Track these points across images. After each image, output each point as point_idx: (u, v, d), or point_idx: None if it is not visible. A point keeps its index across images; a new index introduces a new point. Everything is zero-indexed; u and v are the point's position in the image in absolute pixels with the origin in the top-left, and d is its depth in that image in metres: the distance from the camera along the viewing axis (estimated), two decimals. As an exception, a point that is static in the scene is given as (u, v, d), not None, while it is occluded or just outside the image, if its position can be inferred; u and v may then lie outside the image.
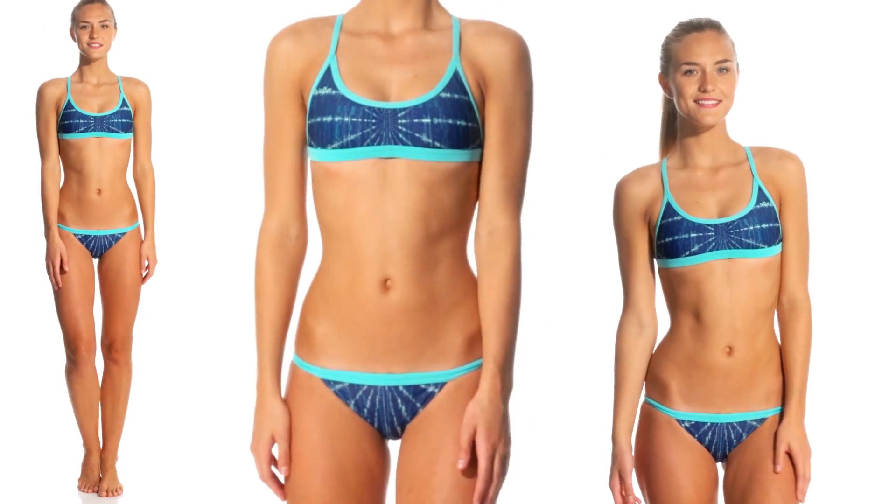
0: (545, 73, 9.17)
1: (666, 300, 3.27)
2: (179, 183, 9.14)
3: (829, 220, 8.82)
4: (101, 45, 5.59)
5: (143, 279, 5.75)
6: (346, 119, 2.46)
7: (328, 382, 2.56)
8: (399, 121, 2.47)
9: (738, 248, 3.16)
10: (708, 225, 3.18)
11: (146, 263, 5.74)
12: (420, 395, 2.54)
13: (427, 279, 2.50)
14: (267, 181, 2.56)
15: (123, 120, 5.63)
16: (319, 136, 2.49)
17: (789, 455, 3.18)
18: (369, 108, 2.48)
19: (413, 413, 2.55)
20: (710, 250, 3.17)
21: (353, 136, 2.46)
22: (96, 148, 5.60)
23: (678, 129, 3.27)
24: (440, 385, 2.54)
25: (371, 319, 2.51)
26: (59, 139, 5.62)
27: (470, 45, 2.53)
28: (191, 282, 9.33)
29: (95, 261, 5.76)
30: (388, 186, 2.47)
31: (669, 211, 3.21)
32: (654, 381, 3.26)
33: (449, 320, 2.53)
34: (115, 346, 5.71)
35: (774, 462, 3.18)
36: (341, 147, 2.47)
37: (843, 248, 8.96)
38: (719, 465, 3.31)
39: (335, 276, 2.53)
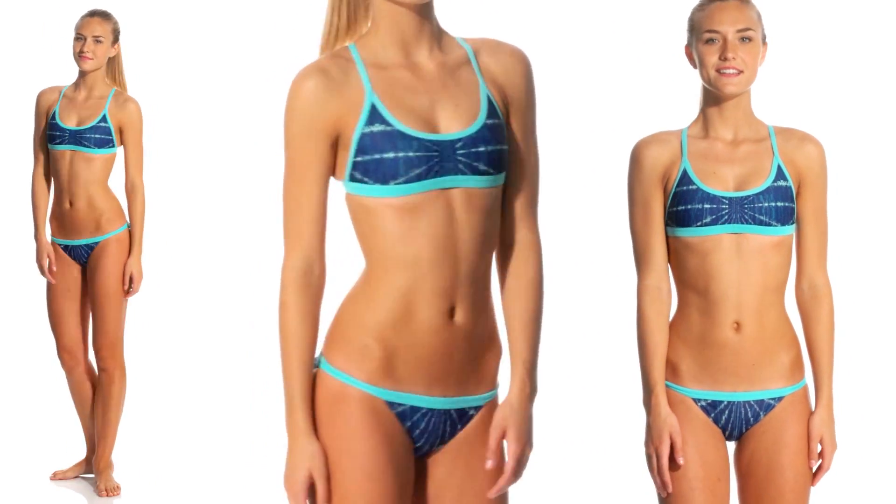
0: (546, 72, 9.17)
1: (673, 274, 3.24)
2: (178, 190, 9.19)
3: (849, 205, 8.79)
4: (91, 59, 5.65)
5: (127, 293, 5.74)
6: (411, 154, 2.49)
7: (391, 405, 2.58)
8: (458, 151, 2.51)
9: (750, 223, 3.14)
10: (723, 197, 3.15)
11: (130, 278, 5.76)
12: (463, 418, 2.62)
13: (482, 304, 2.59)
14: (289, 219, 2.57)
15: (98, 136, 5.67)
16: (379, 172, 2.50)
17: (820, 444, 3.20)
18: (430, 141, 2.51)
19: (453, 434, 2.63)
20: (722, 223, 3.14)
21: (418, 171, 2.49)
22: (68, 161, 5.68)
23: (701, 98, 3.25)
24: (478, 409, 2.63)
25: (437, 345, 2.55)
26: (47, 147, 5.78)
27: (488, 67, 2.61)
28: (186, 285, 9.38)
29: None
30: (454, 216, 2.52)
31: (685, 179, 3.18)
32: (666, 361, 3.23)
33: (492, 343, 2.62)
34: (102, 354, 5.73)
35: (809, 456, 3.18)
36: (406, 182, 2.49)
37: (861, 235, 8.95)
38: (731, 443, 3.29)
39: (397, 302, 2.55)
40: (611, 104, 9.21)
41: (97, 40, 5.63)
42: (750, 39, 3.14)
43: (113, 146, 5.69)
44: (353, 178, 2.53)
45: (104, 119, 5.67)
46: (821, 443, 3.18)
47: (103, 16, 5.69)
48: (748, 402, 3.18)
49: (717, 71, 3.13)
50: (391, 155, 2.49)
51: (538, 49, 9.49)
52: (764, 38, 3.18)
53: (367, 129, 2.51)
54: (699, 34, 3.16)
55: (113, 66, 5.77)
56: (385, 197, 2.50)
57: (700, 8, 3.20)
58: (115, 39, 5.70)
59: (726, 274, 3.13)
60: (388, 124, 2.51)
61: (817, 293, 3.21)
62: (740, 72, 3.12)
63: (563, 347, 8.26)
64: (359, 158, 2.51)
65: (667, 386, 3.21)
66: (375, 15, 2.57)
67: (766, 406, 3.18)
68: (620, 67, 9.19)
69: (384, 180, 2.49)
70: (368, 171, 2.50)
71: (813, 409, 3.22)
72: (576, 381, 7.58)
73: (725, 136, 3.20)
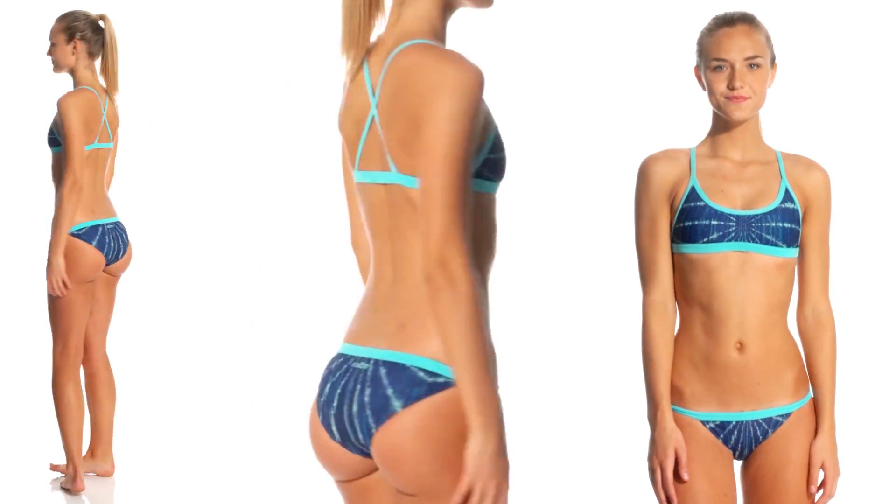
0: (558, 84, 9.15)
1: (677, 292, 3.24)
2: (176, 188, 9.18)
3: (854, 225, 8.81)
4: (53, 63, 5.76)
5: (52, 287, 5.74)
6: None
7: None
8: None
9: (756, 242, 3.15)
10: (730, 214, 3.16)
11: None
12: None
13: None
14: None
15: (50, 136, 5.77)
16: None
17: (822, 470, 3.21)
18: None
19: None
20: (729, 240, 3.15)
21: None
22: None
23: (712, 120, 3.26)
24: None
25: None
26: None
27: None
28: (185, 280, 9.36)
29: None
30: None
31: (693, 195, 3.19)
32: (672, 385, 3.24)
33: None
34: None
35: (809, 482, 3.20)
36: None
37: (866, 253, 8.96)
38: (739, 462, 3.32)
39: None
40: (621, 118, 9.22)
41: (52, 44, 5.70)
42: (758, 66, 3.15)
43: (57, 145, 5.74)
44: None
45: (54, 118, 5.74)
46: (823, 469, 3.19)
47: (57, 19, 5.74)
48: (756, 420, 3.19)
49: (726, 98, 3.15)
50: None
51: (550, 61, 9.55)
52: (773, 60, 3.20)
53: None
54: (707, 61, 3.17)
55: (105, 64, 5.76)
56: None
57: (708, 32, 3.21)
58: (70, 38, 5.69)
59: (730, 292, 3.14)
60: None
61: (820, 320, 3.23)
62: (748, 98, 3.14)
63: (572, 359, 8.26)
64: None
65: (674, 410, 3.22)
66: None
67: (774, 423, 3.20)
68: (630, 81, 9.20)
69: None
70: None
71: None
72: (585, 392, 7.57)
73: (734, 157, 3.22)
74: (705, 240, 3.15)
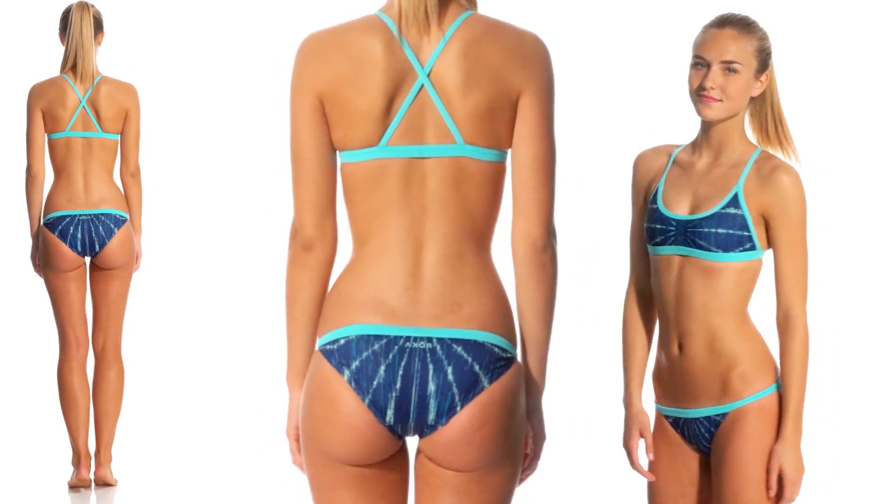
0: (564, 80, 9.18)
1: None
2: (172, 184, 9.18)
3: (841, 226, 8.83)
4: None
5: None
6: None
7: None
8: None
9: (691, 246, 3.17)
10: (672, 219, 3.19)
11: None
12: None
13: None
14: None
15: None
16: None
17: (779, 477, 3.14)
18: None
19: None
20: (669, 244, 3.19)
21: None
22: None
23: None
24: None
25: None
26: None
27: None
28: (186, 280, 9.35)
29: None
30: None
31: (655, 197, 3.25)
32: (654, 379, 3.32)
33: None
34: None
35: (767, 486, 3.15)
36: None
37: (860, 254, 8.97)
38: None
39: None
40: (622, 118, 9.22)
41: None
42: (735, 71, 3.15)
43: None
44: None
45: None
46: (782, 475, 3.12)
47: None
48: (698, 418, 3.21)
49: (697, 95, 3.17)
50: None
51: (560, 55, 9.51)
52: (762, 69, 3.19)
53: None
54: (692, 56, 3.20)
55: (70, 51, 5.72)
56: None
57: (703, 30, 3.23)
58: (61, 33, 5.73)
59: (670, 293, 3.19)
60: None
61: (790, 324, 3.16)
62: (718, 100, 3.16)
63: (572, 358, 8.28)
64: None
65: (656, 406, 3.30)
66: None
67: (714, 422, 3.20)
68: (631, 81, 9.20)
69: None
70: None
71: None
72: (584, 390, 7.58)
73: (707, 158, 3.23)
74: (653, 242, 3.21)
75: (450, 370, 2.40)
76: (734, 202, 3.15)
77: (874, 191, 9.21)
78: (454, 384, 2.40)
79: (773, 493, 3.12)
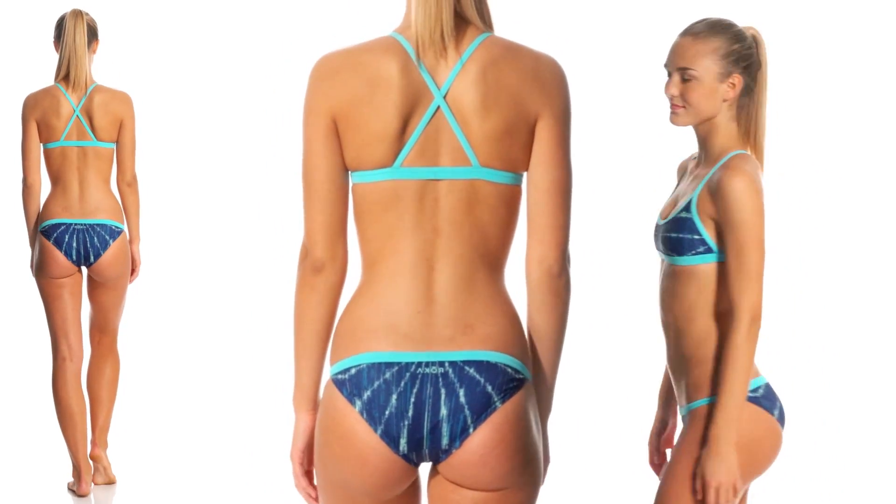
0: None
1: None
2: (169, 192, 9.16)
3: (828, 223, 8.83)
4: None
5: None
6: None
7: None
8: None
9: (661, 251, 3.23)
10: (657, 224, 3.27)
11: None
12: None
13: None
14: None
15: None
16: None
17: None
18: None
19: None
20: (658, 249, 3.26)
21: None
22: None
23: None
24: None
25: None
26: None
27: None
28: (183, 288, 9.33)
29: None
30: None
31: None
32: None
33: None
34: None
35: (692, 490, 3.14)
36: None
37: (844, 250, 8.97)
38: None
39: None
40: (624, 118, 9.21)
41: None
42: (690, 78, 3.15)
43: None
44: None
45: None
46: (703, 485, 3.10)
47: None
48: (683, 417, 3.24)
49: (669, 102, 3.21)
50: None
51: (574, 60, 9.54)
52: (728, 72, 3.17)
53: None
54: None
55: (64, 59, 5.67)
56: None
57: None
58: (55, 41, 5.71)
59: (659, 295, 3.26)
60: None
61: (730, 321, 3.12)
62: (681, 107, 3.17)
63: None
64: None
65: None
66: None
67: (686, 422, 3.23)
68: (632, 81, 9.20)
69: None
70: None
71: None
72: (591, 389, 7.58)
73: (698, 163, 3.27)
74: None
75: (461, 392, 2.39)
76: (687, 206, 3.17)
77: (861, 192, 9.23)
78: (466, 406, 2.39)
79: (698, 496, 3.10)
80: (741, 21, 3.29)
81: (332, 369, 2.47)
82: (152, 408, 7.34)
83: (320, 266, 2.47)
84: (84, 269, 5.70)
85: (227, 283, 9.41)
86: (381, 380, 2.40)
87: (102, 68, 6.88)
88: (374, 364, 2.42)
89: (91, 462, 5.80)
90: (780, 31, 8.83)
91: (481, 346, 2.42)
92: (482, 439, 2.40)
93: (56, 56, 5.83)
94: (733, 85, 3.16)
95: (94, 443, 5.80)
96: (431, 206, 2.43)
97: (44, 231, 5.62)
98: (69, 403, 5.68)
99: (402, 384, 2.39)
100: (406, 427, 2.39)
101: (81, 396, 5.73)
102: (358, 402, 2.40)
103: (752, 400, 3.03)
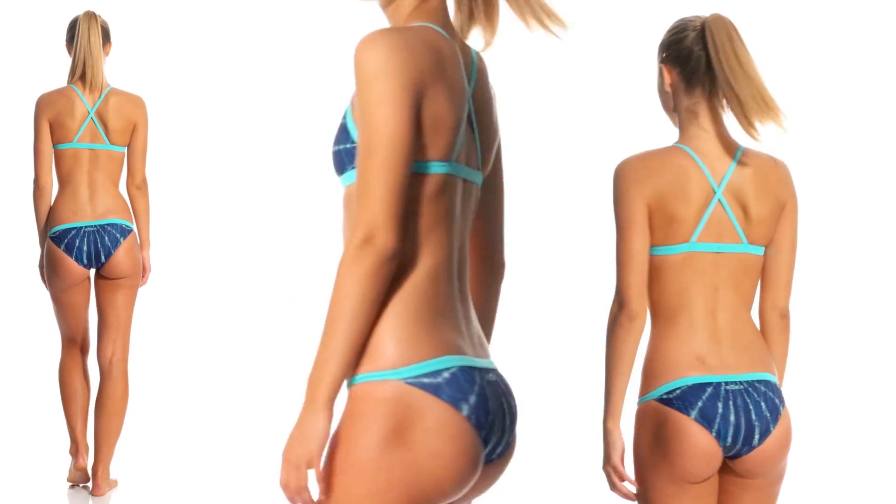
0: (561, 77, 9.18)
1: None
2: (179, 196, 9.17)
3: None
4: None
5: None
6: None
7: None
8: None
9: None
10: None
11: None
12: None
13: None
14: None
15: None
16: None
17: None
18: None
19: None
20: None
21: None
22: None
23: None
24: None
25: None
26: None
27: None
28: (191, 291, 9.33)
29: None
30: None
31: None
32: None
33: None
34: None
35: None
36: None
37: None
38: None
39: None
40: (624, 117, 9.20)
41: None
42: None
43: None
44: None
45: None
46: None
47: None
48: None
49: None
50: None
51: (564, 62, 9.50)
52: (659, 67, 3.17)
53: None
54: None
55: (77, 61, 5.68)
56: None
57: None
58: (68, 43, 5.73)
59: None
60: None
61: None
62: None
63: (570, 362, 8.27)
64: None
65: None
66: None
67: None
68: (633, 81, 9.19)
69: None
70: None
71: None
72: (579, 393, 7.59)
73: None
74: None
75: (512, 400, 2.45)
76: None
77: (860, 192, 9.24)
78: (512, 413, 2.44)
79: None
80: (739, 20, 3.31)
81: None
82: (152, 408, 7.34)
83: (392, 254, 2.26)
84: (93, 271, 5.71)
85: (228, 284, 9.38)
86: (480, 384, 2.35)
87: (114, 72, 6.91)
88: (461, 367, 2.34)
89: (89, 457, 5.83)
90: (780, 30, 8.84)
91: (490, 355, 2.49)
92: (510, 447, 2.44)
93: (68, 59, 5.84)
94: (662, 76, 3.15)
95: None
96: (462, 206, 2.42)
97: (54, 237, 5.61)
98: (74, 385, 5.71)
99: (489, 390, 2.36)
100: (495, 433, 2.38)
101: (87, 381, 5.75)
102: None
103: (663, 401, 3.07)
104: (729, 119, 3.12)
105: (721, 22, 3.07)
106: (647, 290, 3.10)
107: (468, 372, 2.32)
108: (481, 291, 2.58)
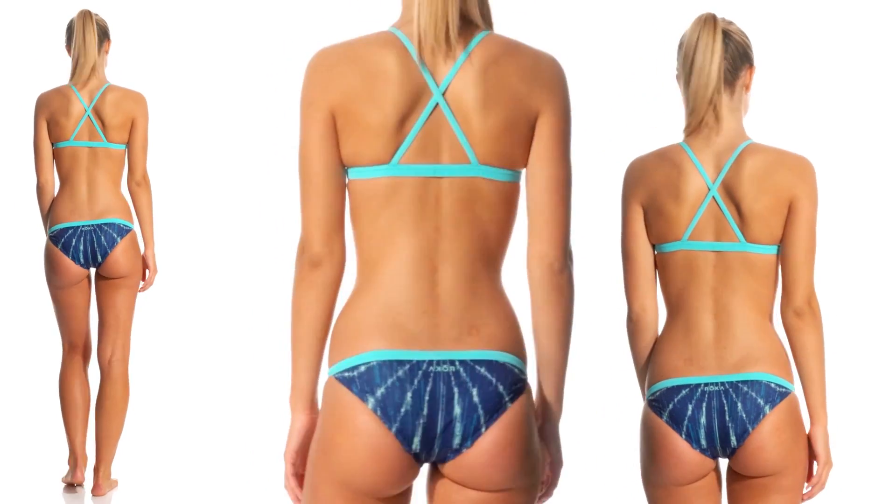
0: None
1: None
2: (180, 193, 9.17)
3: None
4: None
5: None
6: None
7: None
8: None
9: None
10: None
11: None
12: None
13: None
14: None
15: None
16: None
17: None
18: None
19: None
20: None
21: None
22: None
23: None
24: None
25: None
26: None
27: None
28: (193, 288, 9.33)
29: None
30: None
31: None
32: None
33: None
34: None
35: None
36: None
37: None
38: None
39: None
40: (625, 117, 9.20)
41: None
42: None
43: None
44: None
45: None
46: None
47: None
48: None
49: None
50: None
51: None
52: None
53: None
54: None
55: (76, 59, 5.67)
56: None
57: None
58: (66, 44, 5.73)
59: None
60: None
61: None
62: None
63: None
64: None
65: None
66: None
67: None
68: (633, 82, 9.18)
69: None
70: None
71: None
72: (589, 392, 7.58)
73: None
74: None
75: (475, 392, 2.37)
76: None
77: (861, 192, 9.24)
78: (479, 405, 2.37)
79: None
80: (740, 20, 3.31)
81: (335, 367, 2.43)
82: (152, 408, 7.35)
83: (318, 261, 2.44)
84: (93, 271, 5.71)
85: (228, 284, 9.40)
86: (395, 377, 2.37)
87: (114, 69, 6.91)
88: (385, 361, 2.38)
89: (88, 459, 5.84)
90: (781, 31, 8.84)
91: (489, 346, 2.40)
92: (493, 439, 2.39)
93: (68, 59, 5.83)
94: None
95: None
96: (432, 205, 2.41)
97: (53, 237, 5.60)
98: (74, 394, 5.68)
99: (416, 382, 2.37)
100: (421, 425, 2.37)
101: (88, 388, 5.73)
102: (370, 399, 2.37)
103: (649, 404, 3.09)
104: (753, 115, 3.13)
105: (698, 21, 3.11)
106: (649, 290, 3.10)
107: (387, 366, 2.37)
108: (531, 295, 2.52)
